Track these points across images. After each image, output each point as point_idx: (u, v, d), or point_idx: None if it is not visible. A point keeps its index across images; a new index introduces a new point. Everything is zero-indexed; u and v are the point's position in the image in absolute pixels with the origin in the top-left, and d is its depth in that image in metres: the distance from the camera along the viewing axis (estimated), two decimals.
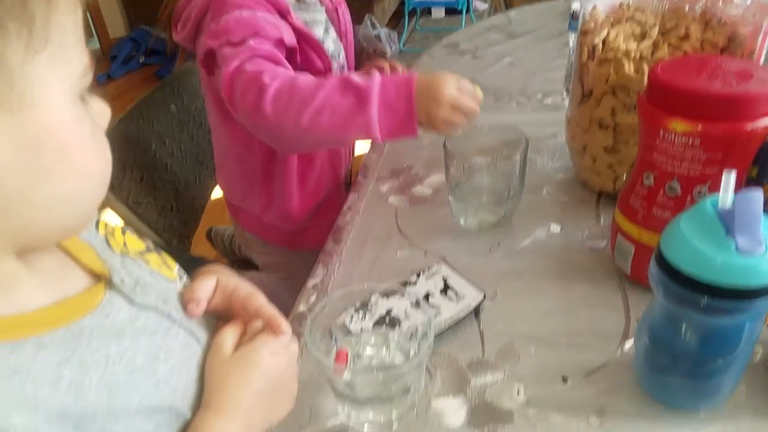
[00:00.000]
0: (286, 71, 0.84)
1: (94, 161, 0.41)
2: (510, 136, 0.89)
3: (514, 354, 0.68)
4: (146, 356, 0.46)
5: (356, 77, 0.80)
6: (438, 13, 4.06)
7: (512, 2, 3.70)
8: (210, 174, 1.27)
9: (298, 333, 0.73)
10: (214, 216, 1.28)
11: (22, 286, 0.41)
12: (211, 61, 0.89)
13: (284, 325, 0.53)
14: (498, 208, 0.88)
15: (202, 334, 0.53)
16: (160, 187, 1.15)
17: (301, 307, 0.78)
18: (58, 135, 0.37)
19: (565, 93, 1.20)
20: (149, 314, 0.48)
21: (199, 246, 1.18)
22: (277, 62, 0.85)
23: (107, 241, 0.52)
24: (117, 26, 4.00)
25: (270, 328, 0.53)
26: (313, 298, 0.79)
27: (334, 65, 1.03)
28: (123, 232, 0.55)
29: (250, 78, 0.80)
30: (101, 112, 0.44)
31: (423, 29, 3.98)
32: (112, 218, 0.65)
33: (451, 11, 3.96)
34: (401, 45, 3.71)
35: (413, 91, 0.79)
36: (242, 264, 1.51)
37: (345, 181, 1.19)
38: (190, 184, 1.22)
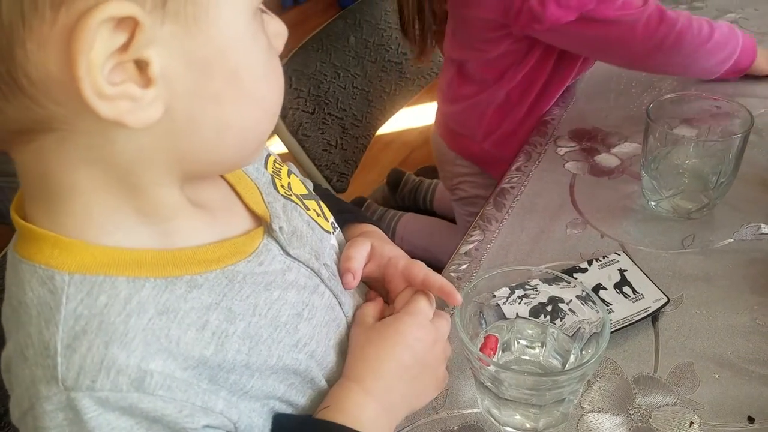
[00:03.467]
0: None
1: (265, 88, 0.38)
2: (728, 108, 0.76)
3: (693, 376, 0.57)
4: (291, 312, 0.44)
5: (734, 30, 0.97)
6: None
7: None
8: (376, 114, 1.24)
9: (442, 302, 0.68)
10: (368, 158, 1.26)
11: (185, 218, 0.40)
12: None
13: (458, 295, 0.50)
14: (700, 194, 0.74)
15: (346, 299, 0.51)
16: (329, 121, 1.13)
17: (451, 273, 0.72)
18: (230, 57, 0.35)
19: None
20: (300, 268, 0.46)
21: (353, 184, 1.17)
22: None
23: (273, 181, 0.50)
24: None
25: (443, 295, 0.50)
26: (464, 266, 0.73)
27: None
28: (289, 174, 0.53)
29: (658, 15, 0.91)
30: (277, 32, 0.40)
31: None
32: (276, 148, 0.63)
33: None
34: None
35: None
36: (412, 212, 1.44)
37: None
38: (357, 123, 1.20)
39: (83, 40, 0.29)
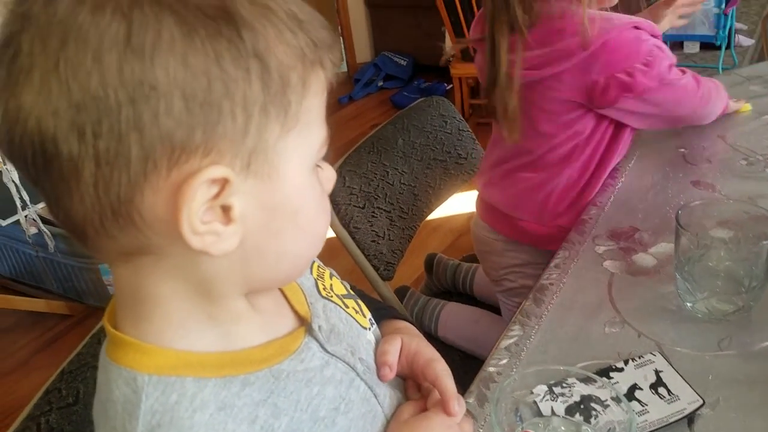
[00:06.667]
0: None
1: (316, 223, 0.46)
2: (760, 210, 0.78)
3: None
4: (329, 406, 0.48)
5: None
6: (691, 47, 3.65)
7: None
8: (421, 207, 1.31)
9: (483, 396, 0.71)
10: (416, 243, 1.32)
11: (245, 323, 0.46)
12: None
13: (456, 406, 0.52)
14: (735, 296, 0.76)
15: (381, 391, 0.54)
16: (377, 215, 1.21)
17: (490, 368, 0.75)
18: (293, 201, 0.43)
19: None
20: (337, 363, 0.50)
21: (401, 267, 1.24)
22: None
23: (317, 284, 0.56)
24: (363, 51, 4.33)
25: (442, 404, 0.53)
26: (503, 361, 0.75)
27: None
28: (330, 276, 0.59)
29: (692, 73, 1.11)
30: (328, 176, 0.48)
31: None
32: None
33: (707, 46, 3.55)
34: None
35: None
36: (454, 296, 1.48)
37: None
38: (403, 215, 1.26)
39: (188, 193, 0.37)
